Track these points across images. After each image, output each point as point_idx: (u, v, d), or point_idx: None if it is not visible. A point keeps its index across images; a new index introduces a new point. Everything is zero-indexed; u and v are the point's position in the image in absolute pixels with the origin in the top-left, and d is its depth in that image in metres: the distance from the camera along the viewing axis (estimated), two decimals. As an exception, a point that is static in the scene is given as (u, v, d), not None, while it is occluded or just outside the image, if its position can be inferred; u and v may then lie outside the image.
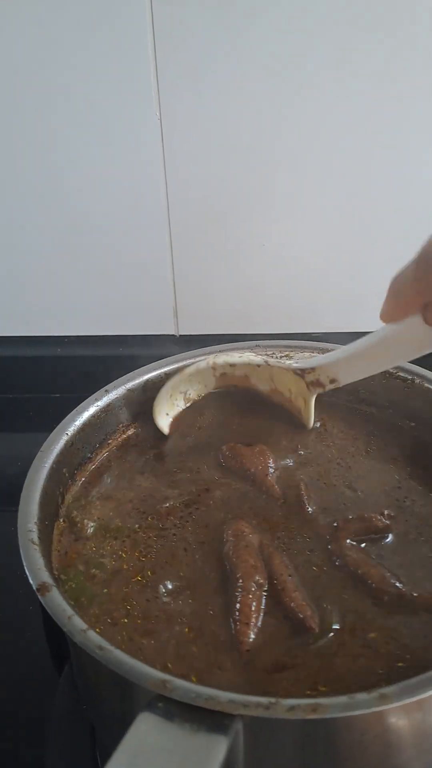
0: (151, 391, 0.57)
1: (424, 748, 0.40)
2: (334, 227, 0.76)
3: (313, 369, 0.51)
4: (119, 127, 0.71)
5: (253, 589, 0.42)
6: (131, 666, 0.34)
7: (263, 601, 0.42)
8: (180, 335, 0.84)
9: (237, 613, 0.41)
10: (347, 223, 0.76)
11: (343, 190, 0.74)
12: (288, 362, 0.54)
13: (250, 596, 0.42)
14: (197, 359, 0.56)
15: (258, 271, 0.79)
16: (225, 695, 0.33)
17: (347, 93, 0.68)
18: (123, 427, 0.56)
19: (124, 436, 0.56)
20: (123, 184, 0.74)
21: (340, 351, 0.50)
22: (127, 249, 0.78)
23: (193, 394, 0.57)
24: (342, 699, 0.33)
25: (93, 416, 0.52)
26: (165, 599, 0.43)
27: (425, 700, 0.34)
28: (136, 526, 0.48)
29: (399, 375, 0.56)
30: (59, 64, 0.67)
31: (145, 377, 0.56)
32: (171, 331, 0.84)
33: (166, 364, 0.57)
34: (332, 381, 0.51)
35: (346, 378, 0.51)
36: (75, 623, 0.36)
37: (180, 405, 0.56)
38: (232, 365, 0.55)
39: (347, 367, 0.50)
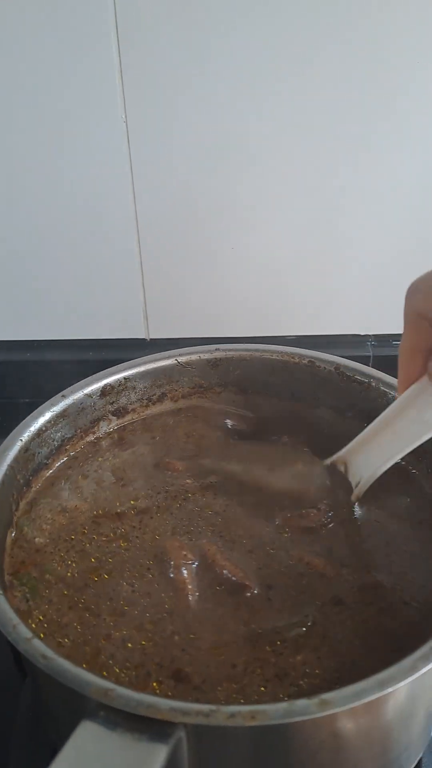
0: (110, 396, 0.57)
1: (375, 751, 0.40)
2: (303, 230, 0.76)
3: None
4: (84, 132, 0.70)
5: (183, 565, 0.44)
6: (74, 674, 0.34)
7: (194, 571, 0.44)
8: (150, 339, 0.84)
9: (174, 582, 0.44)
10: (316, 227, 0.76)
11: (312, 194, 0.74)
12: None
13: (183, 569, 0.44)
14: None
15: (228, 275, 0.79)
16: (166, 703, 0.33)
17: (315, 98, 0.68)
18: (81, 432, 0.56)
19: (83, 441, 0.56)
20: (90, 189, 0.73)
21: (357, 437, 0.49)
22: (95, 253, 0.77)
23: None
24: (282, 705, 0.33)
25: (49, 422, 0.52)
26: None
27: (370, 704, 0.34)
28: (89, 531, 0.48)
29: (356, 378, 0.56)
30: (20, 66, 0.66)
31: (103, 382, 0.56)
32: (142, 335, 0.84)
33: (125, 369, 0.57)
34: (356, 485, 0.50)
35: (365, 471, 0.49)
36: (20, 632, 0.36)
37: None
38: None
39: (364, 453, 0.49)
